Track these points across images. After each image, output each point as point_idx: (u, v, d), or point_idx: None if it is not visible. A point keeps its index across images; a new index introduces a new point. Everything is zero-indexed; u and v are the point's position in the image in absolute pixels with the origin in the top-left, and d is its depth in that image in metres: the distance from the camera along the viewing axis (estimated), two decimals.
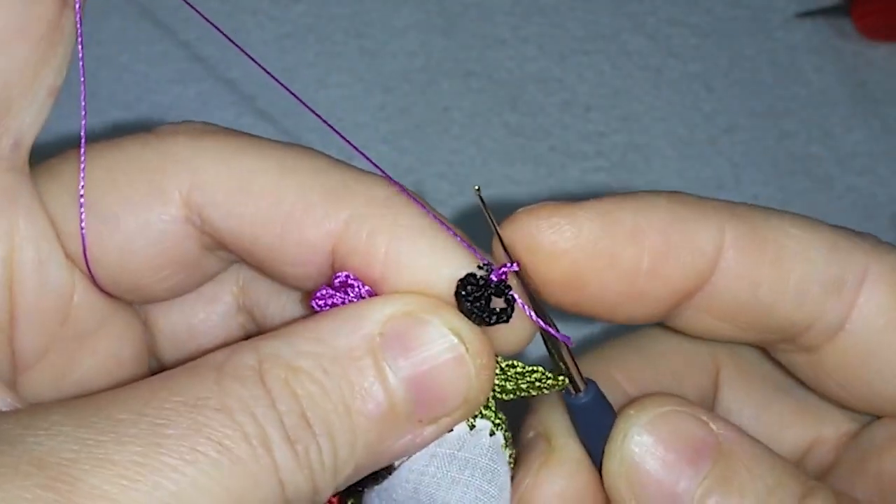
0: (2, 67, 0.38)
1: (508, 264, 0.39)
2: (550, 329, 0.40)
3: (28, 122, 0.39)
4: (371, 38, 0.83)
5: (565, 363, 0.41)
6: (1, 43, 0.38)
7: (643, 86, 0.82)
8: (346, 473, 0.36)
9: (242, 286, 0.46)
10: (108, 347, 0.43)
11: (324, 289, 0.39)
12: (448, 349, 0.38)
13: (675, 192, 0.46)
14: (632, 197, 0.44)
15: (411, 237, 0.39)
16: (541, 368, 0.41)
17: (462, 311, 0.38)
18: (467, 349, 0.38)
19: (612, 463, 0.40)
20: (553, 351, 0.41)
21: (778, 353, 0.45)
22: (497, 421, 0.41)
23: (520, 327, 0.40)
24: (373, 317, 0.37)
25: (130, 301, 0.44)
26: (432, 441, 0.39)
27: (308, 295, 0.41)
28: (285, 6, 0.85)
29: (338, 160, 0.41)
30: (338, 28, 0.84)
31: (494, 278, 0.39)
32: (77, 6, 0.39)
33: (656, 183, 0.77)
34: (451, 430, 0.39)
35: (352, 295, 0.39)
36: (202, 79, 0.80)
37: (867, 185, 0.77)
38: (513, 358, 0.40)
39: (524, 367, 0.41)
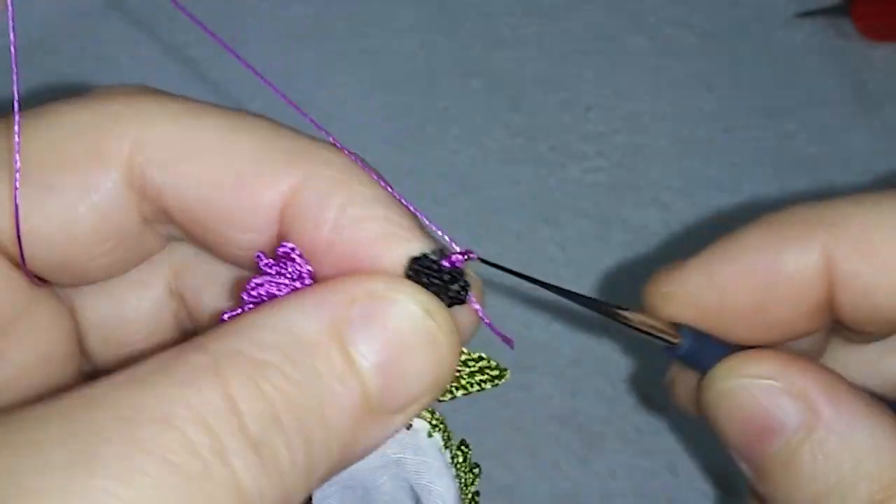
0: None
1: (466, 251, 0.37)
2: (497, 331, 0.38)
3: None
4: (371, 38, 0.83)
5: (640, 329, 0.41)
6: None
7: (643, 86, 0.82)
8: (320, 475, 0.33)
9: (176, 270, 0.42)
10: (33, 341, 0.39)
11: (255, 278, 0.36)
12: (420, 327, 0.34)
13: (765, 219, 0.45)
14: (723, 247, 0.43)
15: (365, 205, 0.36)
16: (486, 356, 0.39)
17: None
18: (438, 326, 0.35)
19: (711, 390, 0.40)
20: (618, 319, 0.40)
21: None
22: (434, 422, 0.39)
23: (470, 313, 0.37)
24: (334, 298, 0.34)
25: (60, 283, 0.40)
26: (398, 432, 0.36)
27: (239, 286, 0.38)
28: (285, 6, 0.85)
29: (291, 127, 0.38)
30: (338, 28, 0.84)
31: (447, 263, 0.36)
32: None
33: (656, 183, 0.77)
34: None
35: (290, 275, 0.36)
36: (197, 80, 0.80)
37: (867, 185, 0.77)
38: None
39: (469, 354, 0.38)
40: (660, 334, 0.42)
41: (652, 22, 0.85)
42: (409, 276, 0.35)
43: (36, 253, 0.38)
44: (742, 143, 0.79)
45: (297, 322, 0.33)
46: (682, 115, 0.81)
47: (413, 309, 0.34)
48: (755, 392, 0.40)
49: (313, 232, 0.36)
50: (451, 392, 0.39)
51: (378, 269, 0.35)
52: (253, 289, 0.36)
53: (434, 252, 0.36)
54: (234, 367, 0.31)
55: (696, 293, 0.43)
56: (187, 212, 0.37)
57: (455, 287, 0.36)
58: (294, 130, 0.38)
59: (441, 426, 0.39)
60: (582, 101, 0.81)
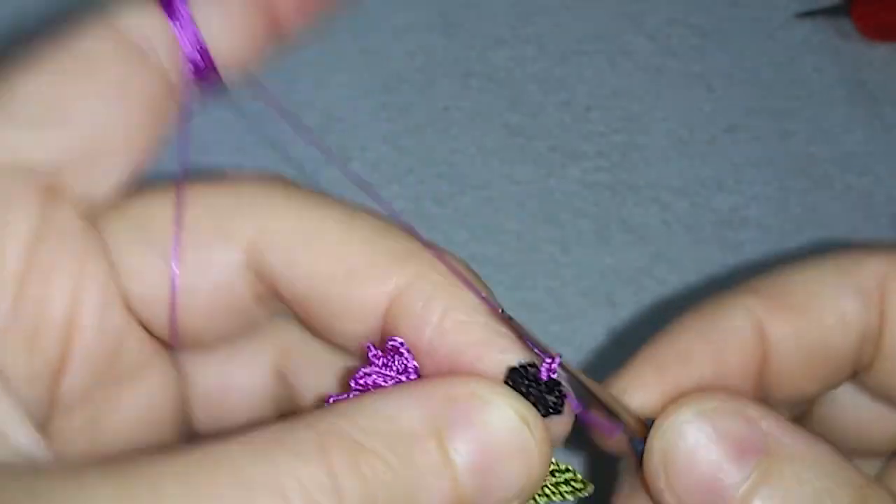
0: (98, 117, 0.38)
1: (553, 357, 0.38)
2: (603, 425, 0.39)
3: (106, 181, 0.39)
4: (371, 38, 0.83)
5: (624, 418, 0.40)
6: (101, 95, 0.38)
7: (643, 86, 0.82)
8: None
9: (283, 350, 0.45)
10: (147, 396, 0.42)
11: (364, 367, 0.38)
12: (514, 433, 0.35)
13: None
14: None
15: (468, 311, 0.38)
16: (573, 468, 0.39)
17: None
18: (532, 435, 0.36)
19: (652, 459, 0.39)
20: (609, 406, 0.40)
21: None
22: None
23: (563, 422, 0.38)
24: (438, 394, 0.35)
25: (176, 347, 0.43)
26: None
27: (348, 373, 0.40)
28: None
29: (401, 228, 0.41)
30: (338, 28, 0.84)
31: (545, 374, 0.37)
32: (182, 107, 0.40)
33: (656, 183, 0.77)
34: None
35: (396, 368, 0.38)
36: None
37: (867, 185, 0.77)
38: None
39: (556, 464, 0.39)
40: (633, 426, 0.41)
41: (652, 22, 0.85)
42: (507, 384, 0.37)
43: (153, 315, 0.40)
44: (742, 143, 0.79)
45: (399, 412, 0.35)
46: (682, 115, 0.81)
47: (510, 415, 0.35)
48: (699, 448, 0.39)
49: (417, 331, 0.38)
50: (535, 500, 0.39)
51: (477, 373, 0.37)
52: (361, 377, 0.37)
53: (532, 364, 0.37)
54: (337, 447, 0.33)
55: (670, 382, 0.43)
56: (298, 298, 0.40)
57: (552, 398, 0.37)
58: (404, 231, 0.40)
59: None
60: (582, 101, 0.81)
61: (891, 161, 0.78)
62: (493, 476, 0.35)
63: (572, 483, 0.40)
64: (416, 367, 0.38)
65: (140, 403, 0.42)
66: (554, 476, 0.39)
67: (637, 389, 0.41)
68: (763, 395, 0.44)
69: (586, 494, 0.40)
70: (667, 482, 0.39)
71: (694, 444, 0.38)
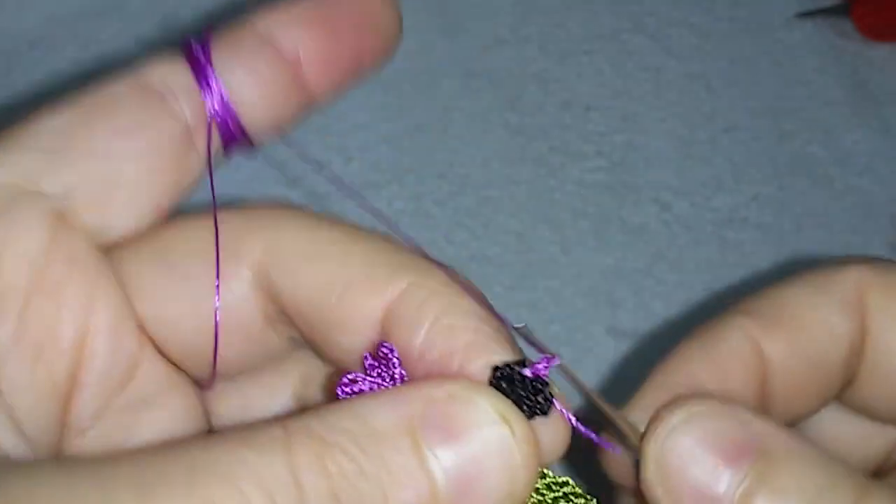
0: (113, 153, 0.39)
1: (549, 358, 0.37)
2: (590, 434, 0.38)
3: (121, 218, 0.40)
4: None
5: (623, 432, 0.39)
6: (117, 133, 0.39)
7: (643, 86, 0.82)
8: None
9: (305, 379, 0.45)
10: (165, 421, 0.42)
11: (348, 374, 0.37)
12: (495, 435, 0.34)
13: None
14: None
15: (459, 315, 0.37)
16: (571, 481, 0.38)
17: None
18: (514, 434, 0.34)
19: (647, 468, 0.38)
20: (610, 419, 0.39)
21: None
22: None
23: (557, 431, 0.37)
24: (413, 396, 0.35)
25: (194, 374, 0.43)
26: None
27: (332, 382, 0.39)
28: None
29: (401, 241, 0.41)
30: None
31: (529, 373, 0.36)
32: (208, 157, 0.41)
33: (656, 183, 0.77)
34: None
35: (383, 375, 0.37)
36: None
37: (867, 185, 0.77)
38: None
39: (554, 478, 0.38)
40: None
41: (652, 22, 0.85)
42: (493, 385, 0.35)
43: (168, 339, 0.41)
44: (742, 143, 0.79)
45: (372, 412, 0.34)
46: (682, 115, 0.81)
47: (489, 414, 0.34)
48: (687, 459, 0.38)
49: (408, 337, 0.37)
50: None
51: (465, 376, 0.36)
52: (346, 385, 0.37)
53: (519, 363, 0.36)
54: (303, 444, 0.32)
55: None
56: (300, 312, 0.40)
57: (539, 399, 0.36)
58: (403, 245, 0.40)
59: None
60: (582, 101, 0.81)
61: (891, 161, 0.79)
62: (472, 476, 0.34)
63: (572, 498, 0.38)
64: (402, 374, 0.37)
65: (158, 429, 0.41)
66: (552, 490, 0.38)
67: (647, 416, 0.41)
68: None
69: None
70: (664, 490, 0.38)
71: (686, 448, 0.38)
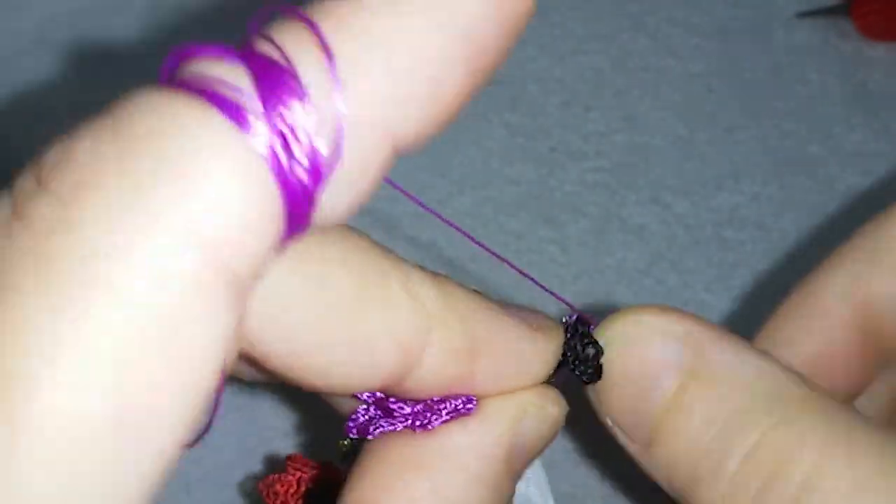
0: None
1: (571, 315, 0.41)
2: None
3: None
4: None
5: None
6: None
7: (643, 86, 0.82)
8: None
9: None
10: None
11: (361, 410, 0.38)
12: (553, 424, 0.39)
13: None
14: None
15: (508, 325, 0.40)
16: None
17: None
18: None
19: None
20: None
21: None
22: None
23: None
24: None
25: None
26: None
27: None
28: None
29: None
30: None
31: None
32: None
33: (656, 183, 0.77)
34: None
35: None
36: None
37: (867, 185, 0.77)
38: None
39: None
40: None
41: (652, 22, 0.85)
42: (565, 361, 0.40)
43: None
44: (742, 143, 0.79)
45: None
46: (682, 115, 0.81)
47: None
48: (634, 343, 0.40)
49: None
50: None
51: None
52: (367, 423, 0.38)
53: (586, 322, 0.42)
54: None
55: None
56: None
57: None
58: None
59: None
60: (582, 101, 0.81)
61: (891, 161, 0.78)
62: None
63: None
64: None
65: None
66: None
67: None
68: (881, 365, 0.43)
69: None
70: (600, 404, 0.40)
71: (623, 360, 0.39)
